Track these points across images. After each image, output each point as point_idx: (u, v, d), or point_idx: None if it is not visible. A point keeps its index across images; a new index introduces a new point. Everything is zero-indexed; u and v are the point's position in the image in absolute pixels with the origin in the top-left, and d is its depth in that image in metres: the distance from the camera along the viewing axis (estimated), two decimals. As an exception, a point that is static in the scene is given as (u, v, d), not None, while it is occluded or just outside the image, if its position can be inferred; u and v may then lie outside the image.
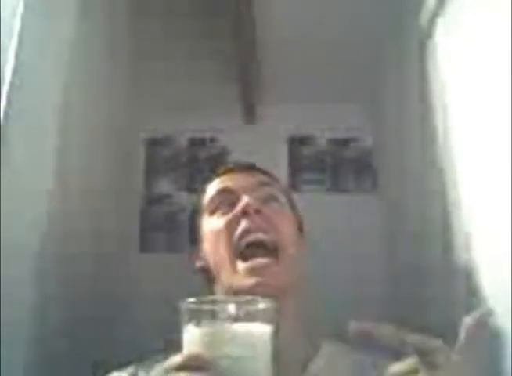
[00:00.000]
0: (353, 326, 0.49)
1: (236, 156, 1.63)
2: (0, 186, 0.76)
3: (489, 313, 0.65)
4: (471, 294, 0.83)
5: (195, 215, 0.82)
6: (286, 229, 0.73)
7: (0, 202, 0.76)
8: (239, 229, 0.69)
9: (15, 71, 0.82)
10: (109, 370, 0.72)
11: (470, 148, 0.85)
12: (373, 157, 1.62)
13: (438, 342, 0.53)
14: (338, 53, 1.46)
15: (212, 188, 0.78)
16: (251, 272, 0.68)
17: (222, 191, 0.75)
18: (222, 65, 1.57)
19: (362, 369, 0.72)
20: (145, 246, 1.56)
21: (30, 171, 0.86)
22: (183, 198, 1.60)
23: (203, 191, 0.80)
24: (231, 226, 0.70)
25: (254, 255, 0.68)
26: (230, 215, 0.71)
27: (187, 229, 1.58)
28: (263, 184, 0.76)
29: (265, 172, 0.82)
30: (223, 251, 0.70)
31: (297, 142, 1.66)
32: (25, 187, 0.84)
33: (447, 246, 0.95)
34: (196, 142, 1.67)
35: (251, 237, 0.69)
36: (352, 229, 1.47)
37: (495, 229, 0.74)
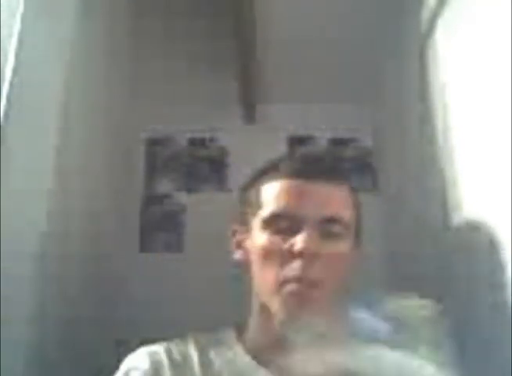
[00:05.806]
0: None
1: (235, 156, 1.63)
2: (0, 186, 0.76)
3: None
4: (471, 294, 0.83)
5: (242, 202, 0.75)
6: (336, 275, 0.67)
7: (0, 202, 0.76)
8: (289, 273, 0.65)
9: (15, 71, 0.82)
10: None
11: (470, 148, 0.85)
12: (373, 157, 1.62)
13: None
14: (338, 53, 1.46)
15: (273, 197, 0.69)
16: (289, 304, 0.65)
17: (283, 216, 0.68)
18: (222, 65, 1.57)
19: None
20: (144, 246, 1.56)
21: (30, 171, 0.86)
22: (183, 198, 1.60)
23: (261, 183, 0.72)
24: (283, 260, 0.65)
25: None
26: (285, 249, 0.66)
27: (187, 229, 1.59)
28: (332, 219, 0.67)
29: (339, 180, 0.72)
30: (268, 274, 0.67)
31: (297, 142, 1.66)
32: (25, 187, 0.84)
33: (447, 246, 0.96)
34: (195, 142, 1.67)
35: (295, 287, 0.64)
36: (352, 229, 1.46)
37: (496, 228, 0.74)
